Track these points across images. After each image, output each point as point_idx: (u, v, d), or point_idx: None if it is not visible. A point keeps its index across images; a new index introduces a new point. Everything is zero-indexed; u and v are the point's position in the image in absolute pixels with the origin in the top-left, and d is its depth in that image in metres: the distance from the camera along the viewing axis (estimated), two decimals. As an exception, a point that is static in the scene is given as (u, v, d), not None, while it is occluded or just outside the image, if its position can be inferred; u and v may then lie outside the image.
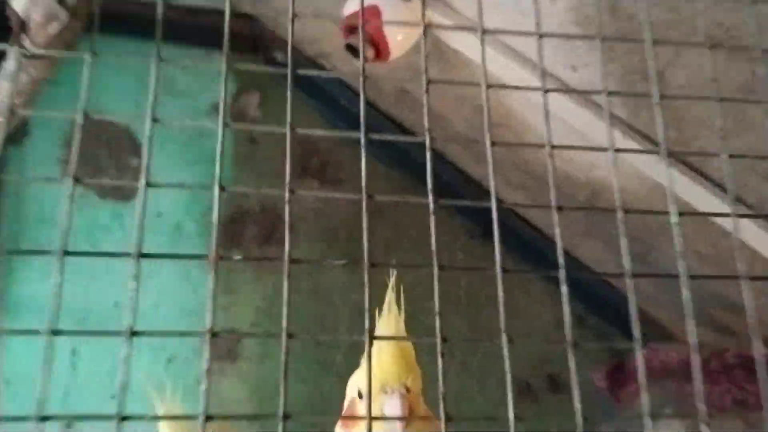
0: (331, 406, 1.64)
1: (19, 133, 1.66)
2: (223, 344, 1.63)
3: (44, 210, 1.65)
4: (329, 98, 1.84)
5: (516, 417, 0.46)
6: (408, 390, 0.76)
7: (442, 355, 0.49)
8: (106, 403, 1.54)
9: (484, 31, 0.57)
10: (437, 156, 1.82)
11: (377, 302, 1.75)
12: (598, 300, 1.83)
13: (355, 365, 1.69)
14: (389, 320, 0.87)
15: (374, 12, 1.07)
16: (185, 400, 1.60)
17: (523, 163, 1.58)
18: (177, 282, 1.65)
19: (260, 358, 1.64)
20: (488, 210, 1.83)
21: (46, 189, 1.64)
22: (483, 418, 0.49)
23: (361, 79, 0.55)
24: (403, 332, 0.85)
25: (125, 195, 1.69)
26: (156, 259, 1.73)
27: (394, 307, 0.89)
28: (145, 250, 1.82)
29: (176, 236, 1.69)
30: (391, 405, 0.74)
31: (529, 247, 1.84)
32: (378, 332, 0.83)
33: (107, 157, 1.70)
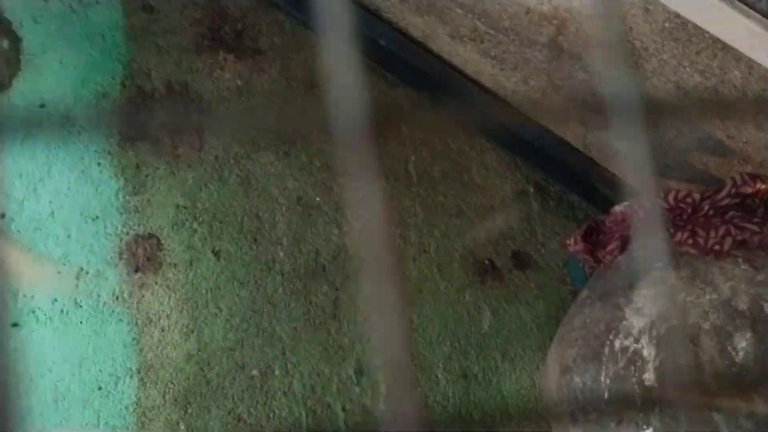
0: (276, 308, 1.46)
1: None
2: (141, 252, 1.39)
3: None
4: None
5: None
6: None
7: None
8: (5, 334, 1.31)
9: None
10: (374, 16, 1.55)
11: (321, 190, 1.54)
12: (559, 165, 1.66)
13: (301, 262, 1.49)
14: None
15: None
16: (101, 320, 1.38)
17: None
18: (74, 184, 1.39)
19: (188, 264, 1.42)
20: (433, 75, 1.56)
21: None
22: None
23: None
24: None
25: (-4, 84, 1.38)
26: (46, 158, 1.41)
27: None
28: (28, 148, 1.49)
29: (66, 129, 1.40)
30: None
31: (481, 113, 1.63)
32: None
33: (-36, 38, 1.37)
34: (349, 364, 1.46)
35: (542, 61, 1.44)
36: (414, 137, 1.61)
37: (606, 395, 1.07)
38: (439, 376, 1.51)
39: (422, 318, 1.52)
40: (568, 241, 1.39)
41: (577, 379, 1.12)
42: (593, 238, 1.34)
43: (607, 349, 1.09)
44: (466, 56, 1.53)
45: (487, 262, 1.59)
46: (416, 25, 1.52)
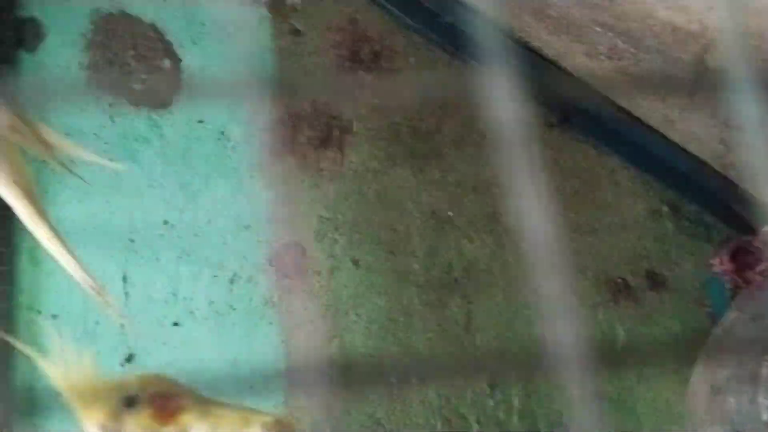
0: (411, 318, 1.50)
1: (31, 37, 1.46)
2: (289, 260, 1.48)
3: (69, 124, 1.47)
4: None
5: None
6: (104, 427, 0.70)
7: None
8: (167, 332, 1.42)
9: None
10: (504, 34, 1.59)
11: (454, 204, 1.59)
12: (695, 185, 1.64)
13: (435, 274, 1.54)
14: None
15: None
16: (253, 322, 1.47)
17: (617, 18, 1.35)
18: (229, 195, 1.49)
19: (330, 272, 1.49)
20: (565, 94, 1.58)
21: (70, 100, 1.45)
22: None
23: None
24: None
25: (161, 102, 1.50)
26: (204, 170, 1.53)
27: None
28: (187, 161, 1.62)
29: (221, 144, 1.51)
30: None
31: (614, 131, 1.64)
32: None
33: (134, 60, 1.51)
34: (483, 376, 1.48)
35: (684, 80, 1.43)
36: (545, 155, 1.63)
37: (765, 417, 1.05)
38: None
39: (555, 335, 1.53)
40: (713, 261, 1.37)
41: (731, 400, 1.10)
42: (740, 258, 1.31)
43: (764, 371, 1.07)
44: (600, 74, 1.54)
45: (620, 281, 1.59)
46: (551, 44, 1.55)
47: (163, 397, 0.75)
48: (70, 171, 1.22)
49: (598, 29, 1.41)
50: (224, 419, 0.75)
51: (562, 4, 1.39)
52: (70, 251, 1.16)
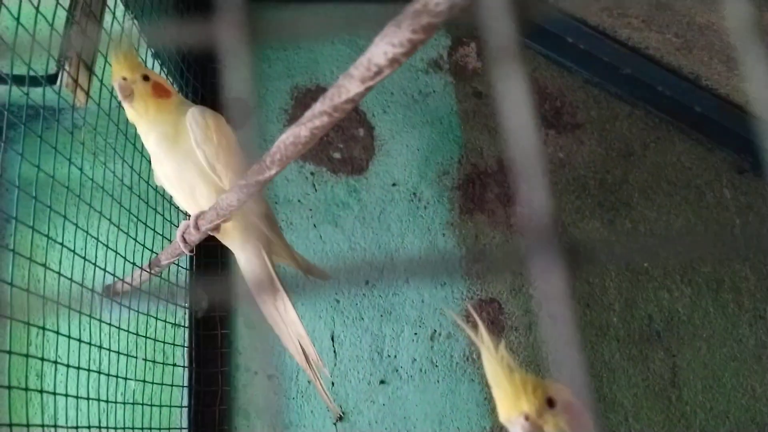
0: (614, 374, 1.49)
1: (240, 116, 1.59)
2: (485, 316, 1.51)
3: (277, 193, 1.58)
4: (553, 35, 1.65)
5: None
6: (527, 417, 0.74)
7: None
8: (375, 390, 1.47)
9: None
10: (688, 82, 1.59)
11: (648, 255, 1.58)
12: None
13: (635, 327, 1.53)
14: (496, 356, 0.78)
15: None
16: (455, 379, 1.50)
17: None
18: (424, 253, 1.54)
19: (527, 328, 1.51)
20: (755, 138, 1.56)
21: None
22: None
23: None
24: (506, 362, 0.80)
25: (358, 167, 1.59)
26: (399, 230, 1.59)
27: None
28: (384, 222, 1.69)
29: (414, 204, 1.57)
30: None
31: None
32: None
33: (332, 130, 1.61)
34: (694, 432, 1.45)
35: None
36: (738, 200, 1.60)
37: None
38: (791, 449, 1.45)
39: (765, 386, 1.48)
40: None
41: None
42: None
43: None
44: None
45: (830, 328, 1.52)
46: (740, 89, 1.54)
47: (572, 407, 0.80)
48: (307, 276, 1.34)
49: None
50: None
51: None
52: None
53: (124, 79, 1.08)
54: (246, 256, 1.23)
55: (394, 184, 1.59)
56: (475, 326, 1.55)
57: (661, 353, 1.50)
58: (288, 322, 1.25)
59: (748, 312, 1.53)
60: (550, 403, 0.82)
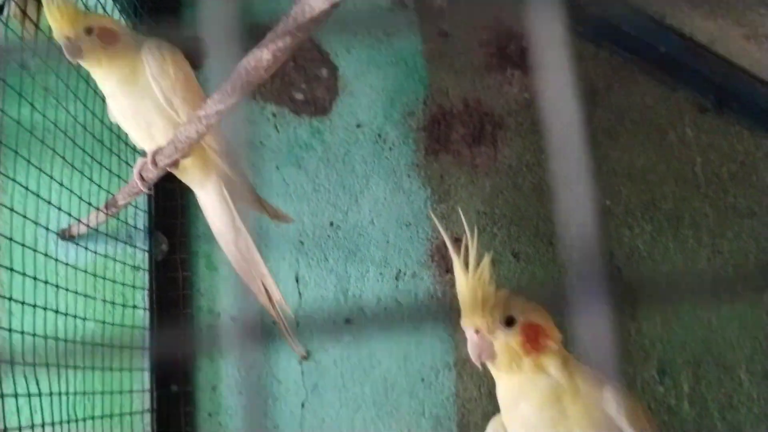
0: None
1: (197, 56, 1.54)
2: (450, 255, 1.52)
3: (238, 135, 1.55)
4: (518, -29, 1.63)
5: None
6: (477, 331, 0.79)
7: None
8: (339, 329, 1.48)
9: None
10: (653, 22, 1.59)
11: (610, 193, 1.60)
12: None
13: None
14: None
15: None
16: (419, 317, 1.52)
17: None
18: (389, 194, 1.54)
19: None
20: (718, 78, 1.57)
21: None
22: None
23: None
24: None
25: (321, 108, 1.57)
26: (364, 172, 1.59)
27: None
28: (348, 164, 1.68)
29: (378, 146, 1.56)
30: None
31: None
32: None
33: (294, 71, 1.58)
34: (652, 364, 1.49)
35: None
36: (699, 139, 1.62)
37: None
38: (742, 376, 1.50)
39: (720, 319, 1.53)
40: None
41: None
42: None
43: None
44: (759, 57, 1.52)
45: (785, 263, 1.57)
46: (705, 29, 1.54)
47: (536, 331, 0.80)
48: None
49: (762, 11, 1.40)
50: (581, 376, 0.80)
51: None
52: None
53: (68, 39, 1.02)
54: (206, 194, 1.21)
55: (358, 126, 1.58)
56: (441, 265, 1.57)
57: (621, 289, 1.53)
58: (250, 261, 1.24)
59: (706, 247, 1.57)
60: (510, 321, 0.83)
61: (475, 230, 0.90)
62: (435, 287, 1.51)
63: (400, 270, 1.52)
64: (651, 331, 1.51)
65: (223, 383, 1.45)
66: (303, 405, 1.45)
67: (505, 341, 0.81)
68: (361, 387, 1.47)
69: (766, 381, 1.51)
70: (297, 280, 1.51)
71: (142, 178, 1.13)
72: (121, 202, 1.18)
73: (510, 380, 0.83)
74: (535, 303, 0.86)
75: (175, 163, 1.09)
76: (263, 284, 1.24)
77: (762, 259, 1.57)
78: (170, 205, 1.45)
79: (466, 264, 0.85)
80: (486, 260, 0.85)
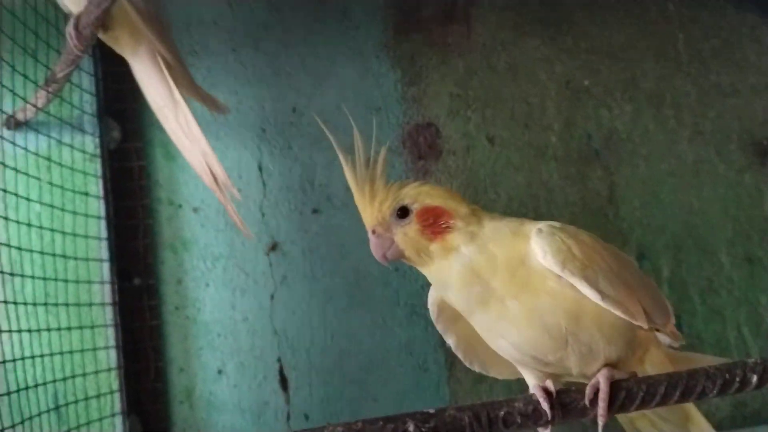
0: (552, 193, 1.49)
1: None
2: (422, 141, 1.47)
3: (190, 14, 1.46)
4: None
5: None
6: (374, 231, 0.77)
7: None
8: (307, 219, 1.44)
9: None
10: None
11: (589, 72, 1.54)
12: None
13: (574, 147, 1.51)
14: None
15: None
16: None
17: None
18: (356, 77, 1.47)
19: (465, 151, 1.48)
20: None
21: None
22: None
23: None
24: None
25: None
26: (328, 54, 1.47)
27: None
28: (311, 44, 1.56)
29: (344, 25, 1.48)
30: None
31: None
32: None
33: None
34: (631, 248, 1.47)
35: None
36: (681, 14, 1.56)
37: None
38: (723, 259, 1.49)
39: (702, 201, 1.51)
40: None
41: None
42: None
43: None
44: None
45: (765, 142, 1.54)
46: None
47: (434, 214, 0.76)
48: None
49: None
50: (498, 242, 0.75)
51: None
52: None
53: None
54: (140, 63, 1.14)
55: (320, 1, 1.49)
56: (413, 151, 1.51)
57: (599, 172, 1.50)
58: (191, 138, 1.18)
59: (687, 128, 1.53)
60: (404, 213, 0.77)
61: (374, 123, 0.85)
62: (407, 174, 1.47)
63: (369, 156, 1.46)
64: (630, 215, 1.49)
65: (189, 276, 1.41)
66: (272, 297, 1.42)
67: (403, 234, 0.76)
68: (332, 278, 1.44)
69: (747, 264, 1.50)
70: (260, 169, 1.45)
71: (72, 36, 1.05)
72: (60, 74, 1.10)
73: (430, 271, 0.79)
74: (432, 184, 0.80)
75: (102, 23, 1.02)
76: (207, 163, 1.19)
77: (745, 140, 1.54)
78: (121, 89, 1.36)
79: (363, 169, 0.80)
80: (380, 156, 0.81)
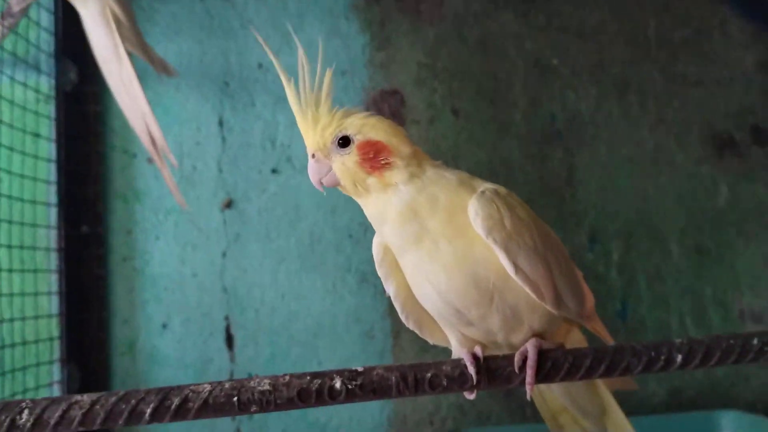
0: (512, 170, 1.52)
1: None
2: (387, 108, 1.48)
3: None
4: None
5: None
6: (313, 155, 0.79)
7: None
8: (265, 178, 1.45)
9: None
10: None
11: (559, 52, 1.57)
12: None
13: (537, 126, 1.54)
14: None
15: None
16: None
17: None
18: (324, 37, 1.47)
19: (429, 122, 1.50)
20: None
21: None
22: None
23: None
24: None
25: (252, -66, 1.46)
26: (297, 11, 1.47)
27: None
28: (282, 1, 1.54)
29: (316, -17, 1.48)
30: None
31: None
32: None
33: None
34: (583, 231, 1.52)
35: None
36: (655, 0, 1.59)
37: None
38: (673, 248, 1.55)
39: (657, 189, 1.55)
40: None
41: None
42: None
43: None
44: None
45: (725, 135, 1.59)
46: None
47: (374, 148, 0.77)
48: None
49: None
50: (443, 186, 0.76)
51: None
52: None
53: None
54: (88, 13, 1.14)
55: (292, -42, 1.48)
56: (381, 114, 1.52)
57: (560, 153, 1.53)
58: (131, 95, 1.18)
59: (651, 115, 1.57)
60: (345, 142, 0.79)
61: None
62: (368, 140, 1.48)
63: (315, 81, 1.47)
64: (585, 198, 1.53)
65: (139, 227, 1.42)
66: (224, 254, 1.44)
67: (342, 163, 0.78)
68: (286, 239, 1.46)
69: (697, 254, 1.56)
70: (221, 124, 1.45)
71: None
72: (16, 8, 1.09)
73: (366, 204, 0.80)
74: (380, 117, 0.81)
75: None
76: (146, 124, 1.19)
77: (705, 132, 1.59)
78: (81, 30, 1.34)
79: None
80: (326, 80, 0.82)
